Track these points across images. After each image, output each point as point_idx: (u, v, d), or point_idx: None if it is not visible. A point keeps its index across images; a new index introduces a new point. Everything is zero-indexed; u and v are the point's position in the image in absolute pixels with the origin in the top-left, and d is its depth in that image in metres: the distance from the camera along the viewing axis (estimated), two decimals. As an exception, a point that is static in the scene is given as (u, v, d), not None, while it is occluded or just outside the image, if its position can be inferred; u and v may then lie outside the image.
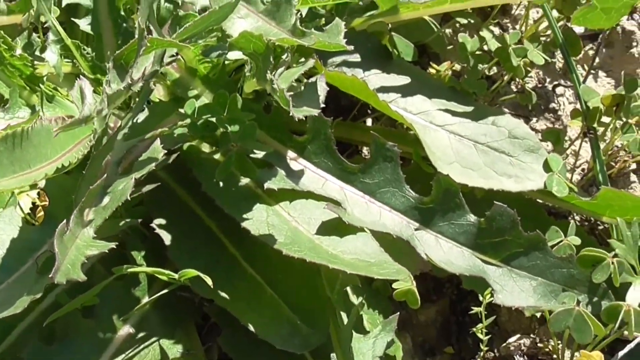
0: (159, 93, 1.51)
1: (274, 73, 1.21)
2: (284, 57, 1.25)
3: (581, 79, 1.69)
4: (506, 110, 1.73)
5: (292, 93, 1.20)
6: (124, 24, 1.54)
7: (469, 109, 1.54)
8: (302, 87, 1.22)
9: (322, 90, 1.24)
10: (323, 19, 1.44)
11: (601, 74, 1.85)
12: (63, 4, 1.53)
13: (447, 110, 1.53)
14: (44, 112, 1.44)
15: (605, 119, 1.60)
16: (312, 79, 1.25)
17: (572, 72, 1.62)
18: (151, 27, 1.24)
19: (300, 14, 1.39)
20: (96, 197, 1.17)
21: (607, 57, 1.85)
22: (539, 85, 1.81)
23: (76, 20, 1.55)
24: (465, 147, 1.48)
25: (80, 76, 1.32)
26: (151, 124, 1.40)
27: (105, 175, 1.18)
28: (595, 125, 1.59)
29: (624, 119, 1.57)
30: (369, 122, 1.69)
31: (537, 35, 1.71)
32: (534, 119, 1.76)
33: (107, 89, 1.14)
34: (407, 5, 1.50)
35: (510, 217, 1.34)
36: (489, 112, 1.54)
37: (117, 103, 1.19)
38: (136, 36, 1.20)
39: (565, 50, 1.63)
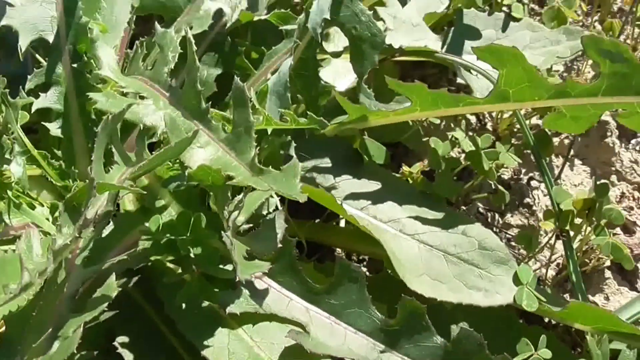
0: (128, 199, 1.50)
1: (232, 205, 1.21)
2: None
3: (556, 173, 1.75)
4: (480, 205, 1.73)
5: (251, 225, 1.20)
6: (95, 128, 1.53)
7: (440, 215, 1.53)
8: (261, 224, 1.21)
9: (280, 227, 1.23)
10: (289, 136, 1.43)
11: (577, 162, 1.85)
12: (33, 109, 1.52)
13: (417, 218, 1.52)
14: (11, 220, 1.43)
15: (579, 220, 1.58)
16: (271, 215, 1.24)
17: (544, 174, 1.61)
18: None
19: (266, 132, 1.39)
20: (44, 344, 1.17)
21: (582, 146, 1.85)
22: (514, 177, 1.80)
23: (47, 125, 1.54)
24: (435, 257, 1.47)
25: (30, 225, 1.32)
26: (116, 238, 1.39)
27: (58, 312, 1.17)
28: (567, 227, 1.57)
29: (596, 222, 1.56)
30: (342, 222, 1.68)
31: (509, 134, 1.71)
32: (509, 214, 1.75)
33: (57, 238, 1.13)
34: (376, 113, 1.49)
35: (477, 341, 1.33)
36: (460, 220, 1.53)
37: (64, 255, 1.18)
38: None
39: (537, 151, 1.62)
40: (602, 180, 1.62)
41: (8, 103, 1.40)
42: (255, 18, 1.63)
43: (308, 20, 1.39)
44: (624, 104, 1.42)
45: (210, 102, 1.36)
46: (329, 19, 1.45)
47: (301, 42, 1.44)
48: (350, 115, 1.51)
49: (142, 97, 1.35)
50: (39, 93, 1.53)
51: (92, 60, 1.50)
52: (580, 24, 2.05)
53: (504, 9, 1.85)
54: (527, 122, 1.75)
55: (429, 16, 1.78)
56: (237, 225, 1.24)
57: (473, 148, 1.60)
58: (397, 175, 1.63)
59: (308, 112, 1.32)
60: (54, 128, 1.54)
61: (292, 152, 1.44)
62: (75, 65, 1.54)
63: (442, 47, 1.72)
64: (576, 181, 1.82)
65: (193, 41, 1.30)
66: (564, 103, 1.45)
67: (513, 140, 1.77)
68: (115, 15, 1.67)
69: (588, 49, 1.37)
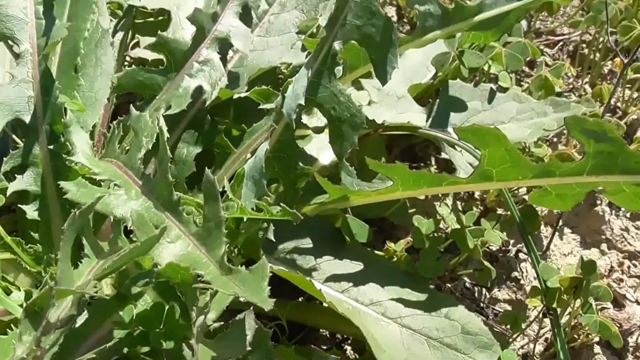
0: (106, 283, 1.48)
1: (203, 301, 1.18)
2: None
3: (545, 243, 1.73)
4: (467, 280, 1.70)
5: (221, 323, 1.17)
6: (73, 209, 1.50)
7: (423, 297, 1.51)
8: (230, 325, 1.18)
9: (250, 328, 1.20)
10: (265, 224, 1.41)
11: (567, 230, 1.83)
12: (9, 192, 1.49)
13: (400, 300, 1.49)
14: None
15: (566, 297, 1.56)
16: (240, 315, 1.21)
17: (530, 251, 1.59)
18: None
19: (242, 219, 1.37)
20: None
21: (572, 214, 1.82)
22: (503, 248, 1.77)
23: (23, 207, 1.51)
24: (417, 342, 1.45)
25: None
26: (90, 328, 1.36)
27: None
28: (554, 305, 1.54)
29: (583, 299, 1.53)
30: (325, 302, 1.65)
31: (497, 205, 1.68)
32: (496, 289, 1.72)
33: (17, 347, 1.10)
34: (357, 193, 1.47)
35: None
36: (443, 302, 1.50)
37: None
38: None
39: (523, 227, 1.59)
40: (589, 258, 1.59)
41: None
42: (235, 96, 1.61)
43: (284, 105, 1.36)
44: (610, 182, 1.39)
45: (183, 189, 1.34)
46: (308, 99, 1.42)
47: (278, 125, 1.41)
48: (330, 195, 1.48)
49: (115, 185, 1.31)
50: (15, 175, 1.49)
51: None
52: (571, 86, 2.02)
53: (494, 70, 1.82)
54: (516, 192, 1.73)
55: (415, 87, 1.76)
56: (206, 324, 1.20)
57: (458, 226, 1.57)
58: (381, 253, 1.60)
59: (281, 205, 1.28)
60: (31, 211, 1.51)
61: (271, 235, 1.41)
62: (51, 147, 1.50)
63: (427, 120, 1.70)
64: (566, 250, 1.79)
65: (165, 130, 1.27)
66: (548, 183, 1.42)
67: (501, 211, 1.75)
68: (95, 92, 1.65)
69: (572, 129, 1.34)
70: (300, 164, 1.46)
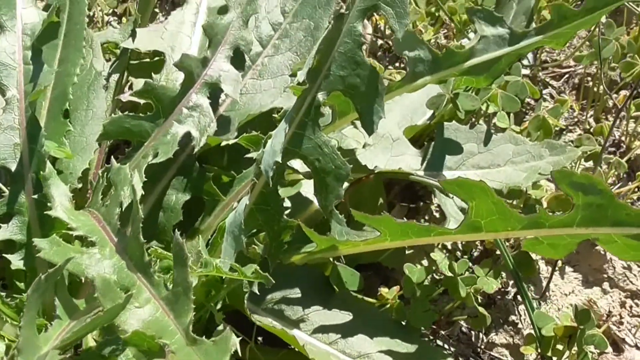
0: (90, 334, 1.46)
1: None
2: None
3: (544, 284, 1.69)
4: (463, 324, 1.67)
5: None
6: (58, 259, 1.49)
7: (413, 348, 1.49)
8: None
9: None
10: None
11: (568, 269, 1.79)
12: (-8, 242, 1.49)
13: (389, 352, 1.47)
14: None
15: (561, 346, 1.53)
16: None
17: (524, 298, 1.56)
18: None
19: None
20: None
21: (573, 253, 1.76)
22: (501, 290, 1.74)
23: (8, 256, 1.50)
24: (405, 396, 1.42)
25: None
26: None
27: None
28: (549, 354, 1.52)
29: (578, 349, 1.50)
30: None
31: (494, 248, 1.66)
32: (493, 333, 1.69)
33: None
34: (345, 243, 1.45)
35: None
36: (434, 354, 1.50)
37: None
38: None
39: (517, 275, 1.57)
40: (584, 307, 1.56)
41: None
42: (223, 143, 1.59)
43: (262, 161, 1.34)
44: (601, 234, 1.36)
45: (171, 237, 1.32)
46: (291, 150, 1.40)
47: (258, 180, 1.39)
48: (318, 245, 1.46)
49: (90, 242, 1.30)
50: (0, 224, 1.48)
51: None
52: (575, 120, 1.99)
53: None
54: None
55: (410, 129, 1.73)
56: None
57: (450, 273, 1.55)
58: (373, 300, 1.57)
59: (257, 268, 1.27)
60: (16, 260, 1.50)
61: (256, 289, 1.39)
62: (36, 196, 1.49)
63: (422, 163, 1.67)
64: (567, 290, 1.76)
65: (138, 187, 1.26)
66: (538, 234, 1.40)
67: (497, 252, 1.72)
68: (86, 137, 1.64)
69: (560, 182, 1.32)
70: (285, 217, 1.43)
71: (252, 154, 1.53)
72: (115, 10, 2.18)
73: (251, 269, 1.28)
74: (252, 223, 1.43)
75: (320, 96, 1.40)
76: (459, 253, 1.74)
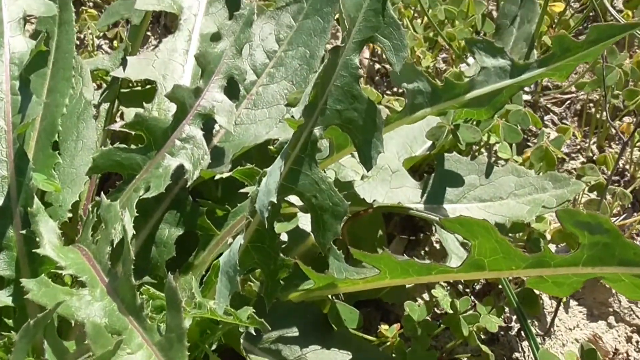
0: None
1: None
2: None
3: (549, 319, 1.66)
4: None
5: None
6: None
7: (414, 391, 1.43)
8: None
9: None
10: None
11: (573, 303, 1.76)
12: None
13: (387, 396, 1.42)
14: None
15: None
16: None
17: (528, 336, 1.52)
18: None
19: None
20: None
21: (577, 286, 1.74)
22: (505, 325, 1.69)
23: (-5, 294, 1.45)
24: None
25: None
26: None
27: None
28: (555, 393, 1.48)
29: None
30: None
31: (498, 282, 1.62)
32: (496, 372, 1.65)
33: None
34: (344, 281, 1.40)
35: None
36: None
37: None
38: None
39: (521, 313, 1.52)
40: (590, 346, 1.51)
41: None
42: (217, 176, 1.54)
43: (257, 200, 1.29)
44: (608, 273, 1.31)
45: (163, 273, 1.28)
46: (287, 187, 1.35)
47: (253, 218, 1.34)
48: (316, 283, 1.42)
49: (79, 282, 1.25)
50: (-13, 260, 1.44)
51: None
52: (578, 147, 1.95)
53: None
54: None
55: (409, 160, 1.69)
56: None
57: (452, 311, 1.50)
58: (372, 338, 1.53)
59: (252, 313, 1.22)
60: (4, 296, 1.45)
61: (252, 330, 1.34)
62: (25, 231, 1.44)
63: (422, 196, 1.63)
64: (572, 324, 1.71)
65: (130, 227, 1.21)
66: (543, 273, 1.36)
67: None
68: (76, 168, 1.59)
69: (565, 222, 1.28)
70: (281, 255, 1.38)
71: (247, 189, 1.48)
72: (106, 33, 2.12)
73: (247, 313, 1.23)
74: (247, 261, 1.38)
75: (317, 131, 1.36)
76: (460, 286, 1.69)
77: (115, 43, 2.11)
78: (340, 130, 1.37)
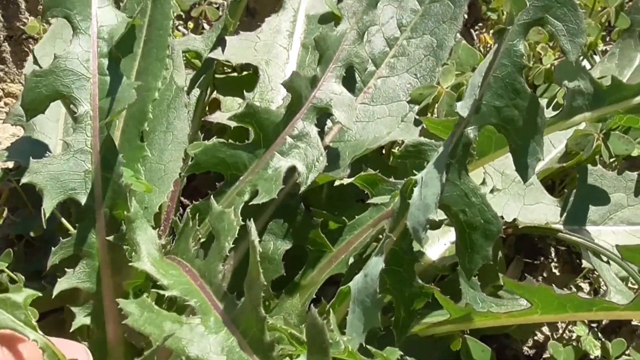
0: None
1: None
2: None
3: None
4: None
5: None
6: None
7: None
8: None
9: None
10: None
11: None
12: (56, 291, 1.21)
13: None
14: None
15: None
16: None
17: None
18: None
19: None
20: None
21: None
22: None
23: (73, 309, 1.23)
24: None
25: None
26: None
27: None
28: None
29: None
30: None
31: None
32: None
33: None
34: (484, 315, 1.18)
35: None
36: None
37: None
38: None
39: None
40: None
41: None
42: (337, 182, 1.31)
43: (408, 216, 1.06)
44: None
45: (269, 295, 1.06)
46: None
47: (393, 234, 1.11)
48: (451, 313, 1.19)
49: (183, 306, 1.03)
50: (65, 269, 1.21)
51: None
52: None
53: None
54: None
55: (545, 170, 1.46)
56: None
57: (598, 353, 1.28)
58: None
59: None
60: (81, 315, 1.23)
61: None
62: (111, 237, 1.21)
63: (561, 215, 1.40)
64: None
65: (256, 244, 0.97)
66: None
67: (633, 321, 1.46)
68: (165, 164, 1.37)
69: None
70: (419, 280, 1.15)
71: (375, 200, 1.25)
72: (181, 14, 1.87)
73: (395, 355, 1.00)
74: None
75: (471, 132, 1.11)
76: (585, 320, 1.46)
77: (189, 24, 1.87)
78: (497, 131, 1.13)
